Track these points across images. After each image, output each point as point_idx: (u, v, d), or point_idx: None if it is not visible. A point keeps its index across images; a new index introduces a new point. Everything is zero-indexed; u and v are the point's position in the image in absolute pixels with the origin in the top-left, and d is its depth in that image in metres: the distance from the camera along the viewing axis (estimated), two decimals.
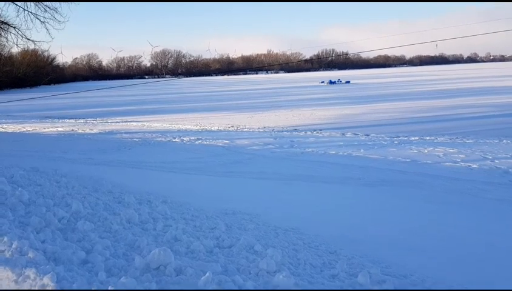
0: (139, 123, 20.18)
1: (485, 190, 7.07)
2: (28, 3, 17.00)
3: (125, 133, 15.96)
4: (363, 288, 3.38)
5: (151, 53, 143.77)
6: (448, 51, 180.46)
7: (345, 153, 10.58)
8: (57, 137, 14.41)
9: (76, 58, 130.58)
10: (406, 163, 9.34)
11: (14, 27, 17.51)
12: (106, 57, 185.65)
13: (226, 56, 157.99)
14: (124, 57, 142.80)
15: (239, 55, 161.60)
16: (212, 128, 17.63)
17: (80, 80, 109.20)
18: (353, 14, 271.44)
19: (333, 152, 10.75)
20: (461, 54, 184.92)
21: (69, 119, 24.11)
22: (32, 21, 17.44)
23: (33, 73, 78.90)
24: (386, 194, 7.02)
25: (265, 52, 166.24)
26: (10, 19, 18.06)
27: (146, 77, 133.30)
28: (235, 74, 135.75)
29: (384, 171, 8.49)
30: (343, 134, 14.70)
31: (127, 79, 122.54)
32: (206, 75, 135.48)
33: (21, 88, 76.73)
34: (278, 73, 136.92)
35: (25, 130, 17.73)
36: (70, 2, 17.29)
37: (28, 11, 17.11)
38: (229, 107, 28.21)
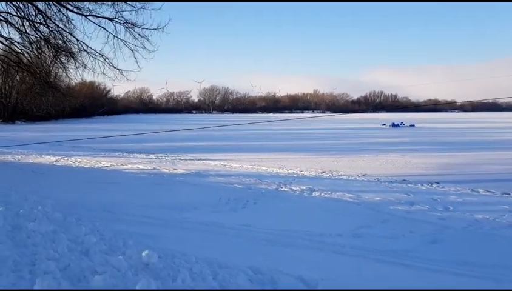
0: (218, 163, 18.45)
1: None
2: (119, 29, 15.98)
3: (218, 175, 14.17)
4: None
5: (200, 89, 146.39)
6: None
7: None
8: (150, 180, 12.63)
9: (129, 91, 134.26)
10: None
11: (102, 55, 16.49)
12: (155, 92, 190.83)
13: (272, 94, 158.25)
14: (173, 92, 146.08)
15: (285, 94, 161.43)
16: (303, 173, 15.63)
17: (131, 113, 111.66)
18: (397, 57, 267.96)
19: None
20: None
21: (138, 153, 22.84)
22: (120, 49, 16.38)
23: (89, 103, 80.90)
24: None
25: (311, 91, 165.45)
26: (96, 46, 17.14)
27: (194, 112, 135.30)
28: (280, 113, 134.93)
29: None
30: (473, 190, 12.23)
31: (176, 113, 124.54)
32: (252, 112, 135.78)
33: (78, 117, 78.77)
34: (324, 113, 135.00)
35: (102, 165, 16.29)
36: (161, 31, 16.12)
37: (119, 38, 16.07)
38: (302, 148, 26.28)
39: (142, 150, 24.34)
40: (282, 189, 11.69)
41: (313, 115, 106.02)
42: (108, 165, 16.45)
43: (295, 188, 11.74)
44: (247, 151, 23.93)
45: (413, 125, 52.34)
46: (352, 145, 28.70)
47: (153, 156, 21.70)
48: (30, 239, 3.73)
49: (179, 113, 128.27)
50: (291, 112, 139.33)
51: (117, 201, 8.15)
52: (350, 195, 10.82)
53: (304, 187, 11.86)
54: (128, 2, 14.63)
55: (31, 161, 17.51)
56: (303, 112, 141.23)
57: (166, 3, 15.74)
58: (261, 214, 8.09)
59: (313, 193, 11.08)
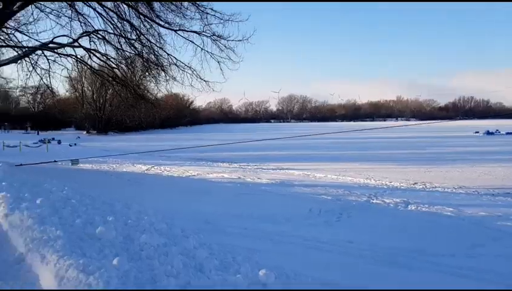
0: (301, 173, 18.12)
1: None
2: (206, 42, 16.46)
3: (303, 185, 13.87)
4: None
5: (278, 98, 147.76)
6: None
7: None
8: (236, 189, 12.65)
9: (210, 102, 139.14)
10: None
11: (190, 67, 17.11)
12: (235, 102, 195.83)
13: (353, 101, 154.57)
14: (252, 102, 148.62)
15: (366, 100, 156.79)
16: (393, 184, 14.78)
17: (212, 123, 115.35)
18: (488, 59, 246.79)
19: None
20: None
21: (221, 162, 23.29)
22: (207, 61, 16.86)
23: (174, 114, 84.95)
24: None
25: (394, 98, 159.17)
26: (184, 59, 17.84)
27: (272, 121, 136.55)
28: (361, 121, 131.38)
29: None
30: None
31: (254, 122, 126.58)
32: (331, 120, 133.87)
33: (163, 128, 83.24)
34: (409, 120, 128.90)
35: (189, 174, 16.75)
36: (246, 42, 16.34)
37: (206, 51, 16.55)
38: (389, 158, 25.13)
39: (225, 159, 24.79)
40: (374, 201, 11.08)
41: (409, 123, 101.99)
42: (195, 174, 16.87)
43: (387, 201, 11.07)
44: (330, 161, 23.38)
45: (510, 133, 48.08)
46: (444, 154, 26.87)
47: (235, 165, 21.97)
48: (143, 252, 3.72)
49: (258, 122, 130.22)
50: (373, 120, 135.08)
51: (211, 211, 8.15)
52: (450, 209, 9.95)
53: (397, 200, 11.15)
54: (216, 15, 14.98)
55: (125, 170, 18.50)
56: (385, 120, 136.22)
57: (252, 14, 15.92)
58: (358, 229, 7.59)
59: (409, 207, 10.34)
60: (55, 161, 16.23)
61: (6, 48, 16.42)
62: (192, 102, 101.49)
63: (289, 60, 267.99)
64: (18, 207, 4.76)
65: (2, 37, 16.28)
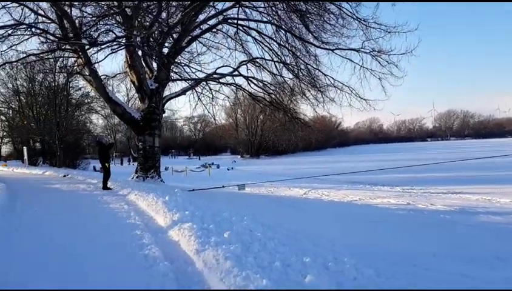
0: (479, 197, 15.73)
1: None
2: (366, 59, 15.62)
3: (490, 213, 11.77)
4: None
5: (434, 115, 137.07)
6: None
7: None
8: (412, 218, 11.11)
9: (358, 122, 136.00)
10: None
11: (349, 86, 16.43)
12: (385, 121, 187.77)
13: None
14: (405, 120, 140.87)
15: None
16: None
17: (361, 144, 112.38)
18: None
19: None
20: None
21: (382, 186, 21.78)
22: (367, 79, 15.96)
23: (323, 137, 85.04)
24: None
25: None
26: (342, 79, 17.27)
27: (428, 139, 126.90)
28: None
29: None
30: None
31: (408, 141, 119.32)
32: (498, 137, 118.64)
33: (310, 151, 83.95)
34: None
35: (350, 199, 15.74)
36: (410, 55, 14.99)
37: (365, 68, 15.70)
38: None
39: (384, 182, 23.22)
40: None
41: None
42: (357, 199, 15.83)
43: None
44: (506, 183, 20.04)
45: None
46: None
47: (398, 188, 20.31)
48: None
49: (412, 141, 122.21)
50: None
51: (402, 247, 6.98)
52: None
53: None
54: (381, 28, 14.08)
55: (283, 194, 18.33)
56: None
57: (422, 21, 14.58)
58: None
59: None
60: (223, 186, 16.91)
61: (181, 80, 18.03)
62: (339, 123, 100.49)
63: (445, 72, 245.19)
64: (208, 242, 4.52)
65: (176, 70, 17.97)
